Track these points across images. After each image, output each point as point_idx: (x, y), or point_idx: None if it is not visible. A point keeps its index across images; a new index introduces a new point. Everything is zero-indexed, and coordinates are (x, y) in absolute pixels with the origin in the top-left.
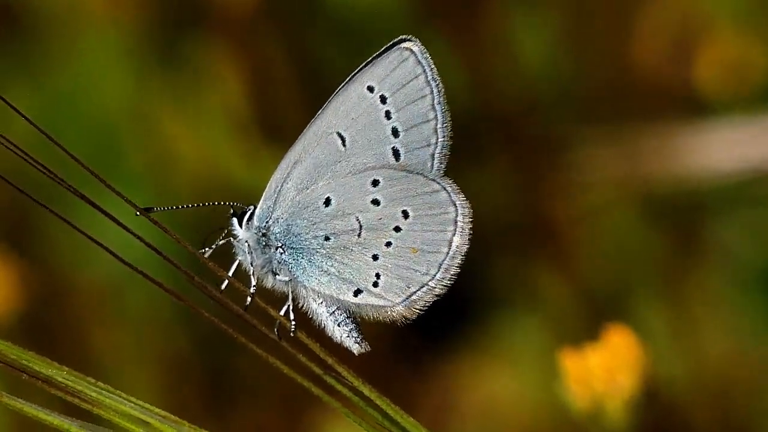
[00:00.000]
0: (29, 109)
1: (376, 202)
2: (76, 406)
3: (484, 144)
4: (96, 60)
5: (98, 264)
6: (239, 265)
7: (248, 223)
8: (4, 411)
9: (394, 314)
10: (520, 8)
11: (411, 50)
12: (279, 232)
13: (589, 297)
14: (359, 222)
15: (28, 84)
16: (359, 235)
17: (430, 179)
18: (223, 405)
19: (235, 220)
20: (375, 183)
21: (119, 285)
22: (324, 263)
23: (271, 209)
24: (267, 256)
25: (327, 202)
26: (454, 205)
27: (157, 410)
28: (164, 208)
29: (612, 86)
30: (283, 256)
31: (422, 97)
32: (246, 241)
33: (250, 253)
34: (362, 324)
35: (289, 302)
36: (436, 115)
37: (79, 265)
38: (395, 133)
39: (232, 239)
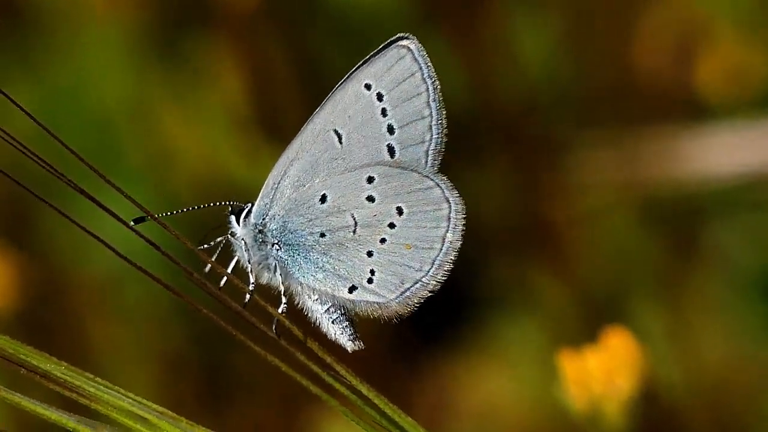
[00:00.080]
0: (29, 104)
1: (371, 198)
2: (74, 401)
3: (483, 144)
4: (97, 56)
5: (97, 260)
6: (238, 262)
7: (245, 220)
8: (2, 405)
9: (389, 310)
10: (521, 9)
11: (408, 48)
12: (275, 229)
13: (587, 299)
14: (354, 219)
15: (29, 79)
16: (354, 232)
17: (424, 176)
18: (221, 402)
19: (233, 218)
20: (370, 180)
21: (118, 281)
22: (319, 260)
23: (267, 206)
24: (263, 252)
25: (323, 198)
26: (448, 201)
27: (154, 406)
28: (159, 215)
29: (612, 89)
30: (279, 253)
31: (418, 94)
32: (242, 238)
33: (247, 250)
34: (361, 323)
35: (280, 287)
36: (431, 112)
37: (78, 260)
38: (391, 130)
39: (230, 236)
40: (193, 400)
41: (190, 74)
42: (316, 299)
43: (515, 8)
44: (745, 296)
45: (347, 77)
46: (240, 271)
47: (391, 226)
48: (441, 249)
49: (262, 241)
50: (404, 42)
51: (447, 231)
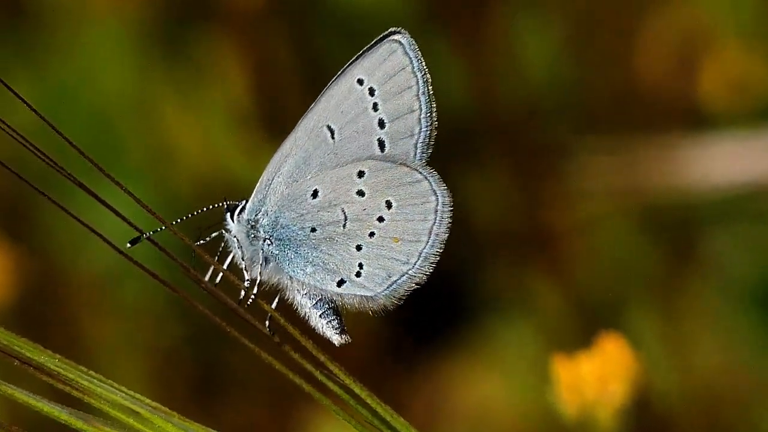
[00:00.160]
0: (30, 100)
1: (361, 193)
2: (67, 394)
3: (483, 148)
4: (99, 52)
5: (94, 255)
6: (233, 259)
7: (239, 217)
8: None
9: (376, 303)
10: (524, 13)
11: (399, 42)
12: (267, 224)
13: (584, 304)
14: (345, 213)
15: (30, 75)
16: (344, 226)
17: (413, 169)
18: (214, 398)
19: (228, 215)
20: (361, 174)
21: (115, 277)
22: (310, 254)
23: (261, 202)
24: (255, 247)
25: (314, 194)
26: (435, 194)
27: (147, 401)
28: (152, 232)
29: (614, 96)
30: (271, 248)
31: (408, 87)
32: (235, 235)
33: (240, 247)
34: (358, 323)
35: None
36: (421, 105)
37: (76, 256)
38: (381, 124)
39: (224, 232)
40: (187, 397)
41: (193, 72)
42: (305, 293)
43: (518, 12)
44: (741, 306)
45: (340, 73)
46: (236, 268)
47: (380, 219)
48: (428, 242)
49: (254, 236)
50: (396, 36)
51: (434, 224)
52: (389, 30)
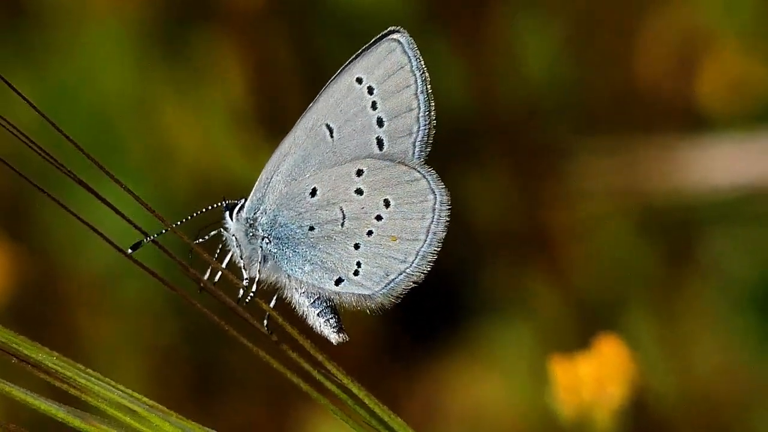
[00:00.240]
0: (30, 98)
1: (359, 191)
2: (65, 392)
3: (483, 148)
4: (99, 52)
5: (93, 254)
6: (232, 257)
7: (237, 215)
8: None
9: (374, 302)
10: (524, 14)
11: (398, 41)
12: (266, 223)
13: (582, 306)
14: (343, 212)
15: (30, 74)
16: (342, 225)
17: (411, 168)
18: (212, 397)
19: (227, 214)
20: (359, 173)
21: (113, 275)
22: (308, 252)
23: (260, 201)
24: (253, 246)
25: (313, 192)
26: (433, 192)
27: (144, 399)
28: (155, 235)
29: (613, 96)
30: (269, 246)
31: (407, 86)
32: (233, 233)
33: (239, 245)
34: (356, 323)
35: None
36: (419, 104)
37: (75, 254)
38: (380, 123)
39: (222, 231)
40: (185, 395)
41: (193, 71)
42: (303, 292)
43: (518, 12)
44: (739, 308)
45: (339, 72)
46: (235, 267)
47: (378, 218)
48: (425, 240)
49: (253, 234)
50: (395, 35)
51: (432, 222)
52: (388, 29)
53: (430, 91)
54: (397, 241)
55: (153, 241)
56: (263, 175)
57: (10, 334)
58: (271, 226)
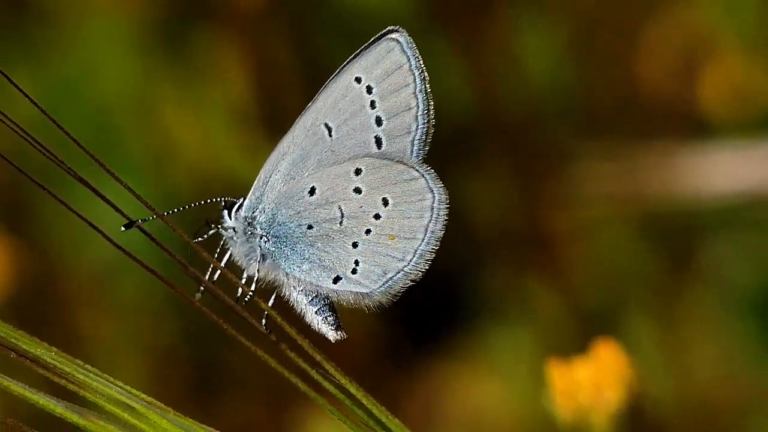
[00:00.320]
0: (31, 94)
1: (358, 190)
2: (63, 387)
3: (484, 146)
4: (100, 49)
5: (93, 251)
6: (231, 256)
7: (236, 214)
8: None
9: (372, 300)
10: (526, 16)
11: (397, 40)
12: (264, 221)
13: (581, 310)
14: (341, 211)
15: (32, 70)
16: (341, 224)
17: (410, 166)
18: (211, 396)
19: (225, 212)
20: (358, 172)
21: (113, 273)
22: (306, 251)
23: (258, 200)
24: (251, 244)
25: (312, 191)
26: (432, 191)
27: (143, 396)
28: (151, 218)
29: (615, 101)
30: (267, 245)
31: (405, 85)
32: (232, 231)
33: (237, 244)
34: (355, 323)
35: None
36: (418, 103)
37: (74, 251)
38: (379, 122)
39: (221, 229)
40: (184, 394)
41: (193, 71)
42: (301, 290)
43: (519, 13)
44: (738, 314)
45: (338, 71)
46: (234, 266)
47: (377, 217)
48: (423, 239)
49: (251, 233)
50: (393, 35)
51: (430, 221)
52: (387, 29)
53: (428, 90)
54: (396, 239)
55: (140, 228)
56: (262, 174)
57: (9, 328)
58: (270, 225)
